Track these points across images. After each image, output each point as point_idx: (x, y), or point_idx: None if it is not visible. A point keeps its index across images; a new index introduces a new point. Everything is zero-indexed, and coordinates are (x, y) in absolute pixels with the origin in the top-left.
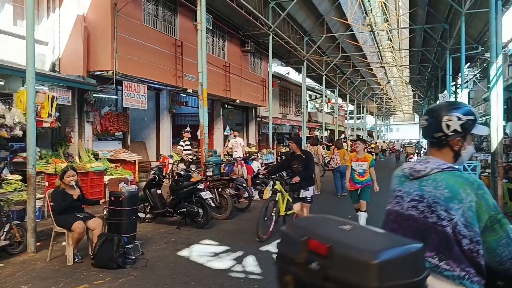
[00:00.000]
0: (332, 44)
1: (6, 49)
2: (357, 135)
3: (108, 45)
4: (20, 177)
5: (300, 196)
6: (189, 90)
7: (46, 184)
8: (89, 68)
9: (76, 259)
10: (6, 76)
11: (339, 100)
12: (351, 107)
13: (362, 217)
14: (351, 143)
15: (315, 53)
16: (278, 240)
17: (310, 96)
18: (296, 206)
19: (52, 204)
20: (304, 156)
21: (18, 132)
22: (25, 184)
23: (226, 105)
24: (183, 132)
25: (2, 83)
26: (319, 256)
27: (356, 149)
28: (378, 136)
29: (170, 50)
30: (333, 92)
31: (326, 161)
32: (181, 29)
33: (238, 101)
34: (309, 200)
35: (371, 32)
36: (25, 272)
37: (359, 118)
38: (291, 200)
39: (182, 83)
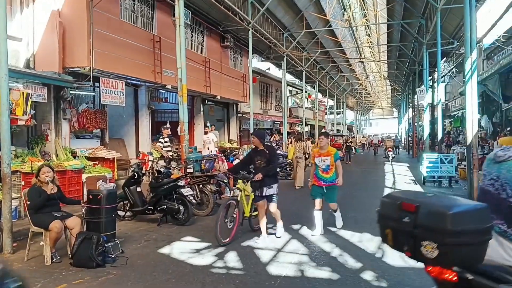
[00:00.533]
0: (312, 39)
1: None
2: (337, 130)
3: (84, 41)
4: None
5: (264, 194)
6: (168, 86)
7: (22, 183)
8: (65, 64)
9: (54, 259)
10: None
11: (319, 96)
12: (331, 102)
13: (338, 218)
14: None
15: (295, 48)
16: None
17: (290, 91)
18: (260, 205)
19: (28, 203)
20: (267, 152)
21: None
22: (0, 184)
23: (206, 101)
24: (163, 129)
25: None
26: (409, 213)
27: (320, 144)
28: (357, 130)
29: (148, 46)
30: (313, 88)
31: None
32: (159, 25)
33: (218, 97)
34: (274, 198)
35: (350, 28)
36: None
37: (339, 113)
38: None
39: (161, 79)
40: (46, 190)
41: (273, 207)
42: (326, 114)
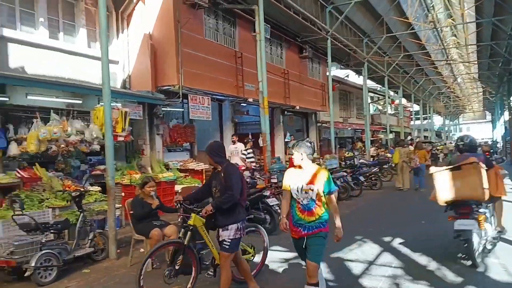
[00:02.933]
0: (393, 44)
1: (81, 70)
2: (425, 136)
3: (173, 60)
4: (99, 188)
5: (219, 239)
6: (250, 99)
7: (123, 194)
8: (157, 83)
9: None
10: (83, 95)
11: (404, 101)
12: (416, 108)
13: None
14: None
15: (376, 54)
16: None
17: (372, 98)
18: (221, 255)
19: (131, 212)
20: (222, 174)
21: (95, 146)
22: (104, 195)
23: (285, 112)
24: (246, 141)
25: (80, 102)
26: None
27: (293, 160)
28: (447, 136)
29: (230, 62)
30: (397, 93)
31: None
32: (240, 41)
33: (297, 107)
34: (227, 246)
35: (434, 29)
36: (109, 278)
37: (426, 119)
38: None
39: (243, 93)
40: (149, 202)
41: (223, 259)
42: (411, 120)
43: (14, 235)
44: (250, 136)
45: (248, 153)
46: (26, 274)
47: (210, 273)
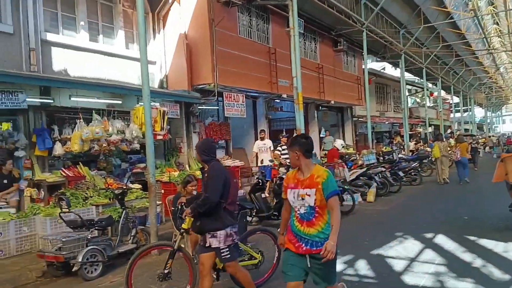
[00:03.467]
0: (431, 34)
1: (120, 71)
2: (465, 129)
3: (208, 59)
4: (140, 186)
5: (206, 245)
6: (284, 95)
7: (162, 191)
8: (192, 82)
9: (195, 260)
10: (123, 96)
11: (443, 93)
12: (456, 100)
13: None
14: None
15: (413, 45)
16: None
17: (409, 90)
18: (201, 260)
19: (173, 208)
20: (206, 174)
21: (136, 145)
22: (145, 192)
23: (320, 107)
24: (280, 137)
25: (120, 102)
26: None
27: (292, 160)
28: (489, 129)
29: (264, 58)
30: (435, 85)
31: None
32: (273, 37)
33: (332, 102)
34: (227, 256)
35: (475, 18)
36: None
37: (466, 111)
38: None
39: (277, 89)
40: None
41: (229, 267)
42: (451, 112)
43: (62, 232)
44: (284, 132)
45: (283, 149)
46: (73, 269)
47: (213, 276)
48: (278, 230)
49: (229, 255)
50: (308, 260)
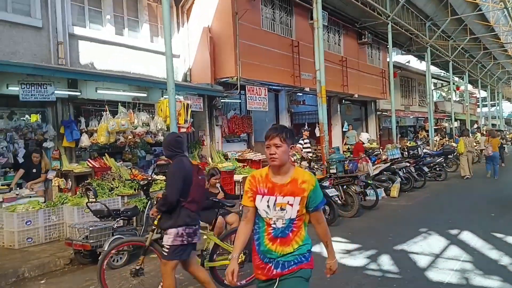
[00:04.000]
0: (458, 26)
1: (145, 64)
2: (492, 125)
3: (231, 52)
4: (164, 177)
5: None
6: (307, 89)
7: None
8: (216, 76)
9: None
10: (148, 88)
11: (469, 87)
12: (483, 94)
13: None
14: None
15: (439, 38)
16: None
17: (435, 84)
18: (162, 262)
19: None
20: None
21: (160, 137)
22: None
23: (343, 101)
24: (302, 131)
25: (145, 95)
26: None
27: (282, 157)
28: None
29: (287, 51)
30: (462, 79)
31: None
32: (297, 29)
33: (356, 95)
34: (165, 253)
35: (505, 9)
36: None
37: (494, 106)
38: (219, 243)
39: (300, 82)
40: (214, 192)
41: (162, 264)
42: (478, 107)
43: (88, 221)
44: (306, 126)
45: (305, 143)
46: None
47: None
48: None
49: (167, 253)
50: (276, 285)
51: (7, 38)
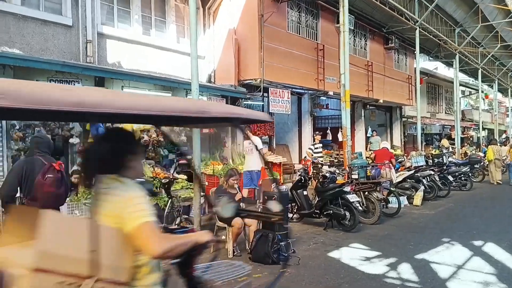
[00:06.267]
0: (489, 33)
1: (170, 65)
2: None
3: (256, 55)
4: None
5: None
6: (330, 93)
7: (206, 183)
8: (239, 77)
9: (236, 252)
10: (173, 88)
11: (499, 96)
12: None
13: None
14: None
15: (469, 44)
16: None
17: (463, 92)
18: None
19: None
20: None
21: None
22: (190, 183)
23: (368, 106)
24: (314, 135)
25: (170, 95)
26: None
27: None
28: None
29: (312, 55)
30: (491, 87)
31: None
32: (322, 33)
33: (381, 101)
34: None
35: None
36: None
37: None
38: None
39: (324, 86)
40: (232, 192)
41: None
42: (507, 116)
43: None
44: (317, 131)
45: (315, 148)
46: None
47: None
48: None
49: None
50: None
51: (38, 35)
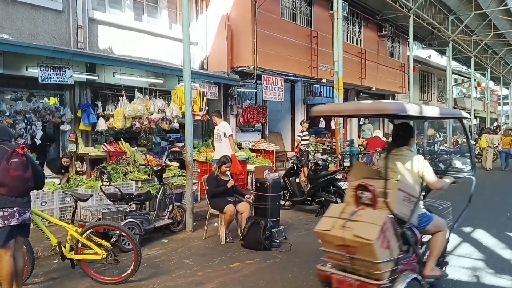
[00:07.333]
0: (482, 21)
1: (163, 51)
2: None
3: (249, 41)
4: (177, 164)
5: None
6: (324, 80)
7: (198, 170)
8: (232, 64)
9: (228, 239)
10: (165, 75)
11: (491, 84)
12: (505, 92)
13: None
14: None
15: (462, 32)
16: None
17: (455, 80)
18: None
19: (207, 188)
20: None
21: (175, 124)
22: (182, 170)
23: (361, 94)
24: (302, 123)
25: (161, 81)
26: None
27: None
28: None
29: (305, 42)
30: (484, 75)
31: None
32: (316, 20)
33: (374, 88)
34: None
35: None
36: (186, 248)
37: None
38: (78, 237)
39: (317, 73)
40: (225, 180)
41: None
42: (499, 105)
43: (102, 204)
44: (305, 118)
45: (304, 135)
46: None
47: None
48: None
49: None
50: None
51: (28, 20)
